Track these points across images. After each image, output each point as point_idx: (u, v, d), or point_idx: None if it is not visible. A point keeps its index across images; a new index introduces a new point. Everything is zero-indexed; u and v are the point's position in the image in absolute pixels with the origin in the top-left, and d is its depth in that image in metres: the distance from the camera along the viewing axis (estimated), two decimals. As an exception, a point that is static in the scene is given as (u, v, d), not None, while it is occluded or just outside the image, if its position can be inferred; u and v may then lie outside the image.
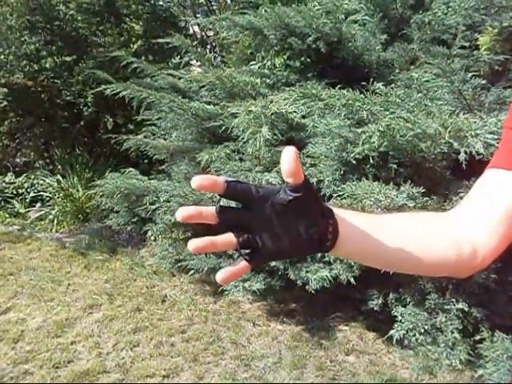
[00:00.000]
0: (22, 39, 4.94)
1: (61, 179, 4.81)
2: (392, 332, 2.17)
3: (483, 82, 2.39)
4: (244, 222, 0.49)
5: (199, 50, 4.34)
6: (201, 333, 2.71)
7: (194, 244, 0.49)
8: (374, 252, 0.55)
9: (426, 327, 2.09)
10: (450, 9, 2.85)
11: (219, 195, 0.48)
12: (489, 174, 0.60)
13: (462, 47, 2.66)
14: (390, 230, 0.56)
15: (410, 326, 2.10)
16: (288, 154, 0.47)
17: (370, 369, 2.39)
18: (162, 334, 2.71)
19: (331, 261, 2.41)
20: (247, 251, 0.49)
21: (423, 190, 2.01)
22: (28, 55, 4.96)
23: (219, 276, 0.50)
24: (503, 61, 2.62)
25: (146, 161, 4.70)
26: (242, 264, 0.50)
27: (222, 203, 0.48)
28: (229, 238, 0.49)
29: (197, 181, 0.47)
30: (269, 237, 0.49)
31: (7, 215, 4.65)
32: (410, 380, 2.30)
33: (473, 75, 2.39)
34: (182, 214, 0.48)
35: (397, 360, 2.45)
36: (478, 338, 2.04)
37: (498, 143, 1.73)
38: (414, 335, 2.11)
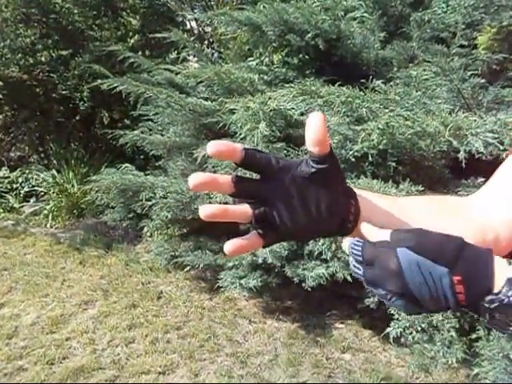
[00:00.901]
0: (18, 32, 4.88)
1: (56, 174, 4.77)
2: (388, 330, 2.16)
3: (482, 80, 2.39)
4: (262, 193, 0.45)
5: (197, 45, 4.30)
6: (196, 330, 2.70)
7: (204, 210, 0.44)
8: None
9: (423, 325, 2.09)
10: (449, 7, 2.85)
11: (236, 164, 0.44)
12: (510, 161, 0.57)
13: (461, 46, 2.66)
14: (415, 214, 0.52)
15: (407, 324, 2.10)
16: (315, 119, 0.43)
17: (365, 366, 2.39)
18: (158, 330, 2.70)
19: (328, 258, 2.40)
20: (262, 225, 0.46)
21: (422, 189, 2.00)
22: (23, 48, 4.91)
23: (228, 247, 0.46)
24: (501, 60, 2.62)
25: (142, 156, 4.68)
26: (254, 237, 0.46)
27: (238, 173, 0.45)
28: (244, 208, 0.45)
29: (213, 147, 0.42)
30: (287, 212, 0.45)
31: (1, 210, 4.61)
32: (405, 378, 2.31)
33: (471, 74, 2.38)
34: (194, 180, 0.43)
35: (393, 358, 2.46)
36: (474, 336, 2.05)
37: (497, 142, 1.73)
38: (411, 333, 2.11)
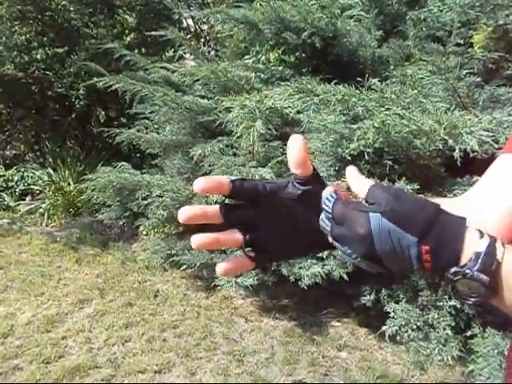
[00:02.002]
0: (13, 30, 4.86)
1: (52, 172, 4.75)
2: (384, 328, 2.17)
3: (477, 79, 2.39)
4: (251, 219, 0.47)
5: (193, 43, 4.30)
6: (193, 328, 2.70)
7: (196, 241, 0.46)
8: None
9: (419, 323, 2.10)
10: (445, 6, 2.85)
11: (224, 196, 0.46)
12: (501, 159, 0.56)
13: (457, 44, 2.67)
14: None
15: (403, 322, 2.11)
16: (295, 142, 0.44)
17: (361, 364, 2.40)
18: (154, 329, 2.70)
19: (324, 257, 2.41)
20: (253, 249, 0.47)
21: (417, 187, 2.01)
22: (19, 46, 4.88)
23: (220, 269, 0.47)
24: (497, 59, 2.63)
25: (138, 155, 4.67)
26: (246, 260, 0.48)
27: (226, 201, 0.46)
28: (234, 235, 0.47)
29: (200, 184, 0.44)
30: (277, 235, 0.47)
31: (-3, 208, 4.59)
32: (401, 376, 2.31)
33: (467, 73, 2.39)
34: (184, 214, 0.45)
35: (388, 356, 2.46)
36: (469, 333, 2.06)
37: (492, 140, 1.73)
38: (407, 331, 2.12)
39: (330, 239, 0.46)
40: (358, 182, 0.47)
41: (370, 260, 0.44)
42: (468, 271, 0.40)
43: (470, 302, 0.42)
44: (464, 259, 0.41)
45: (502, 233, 0.50)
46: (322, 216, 0.46)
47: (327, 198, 0.46)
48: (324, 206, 0.46)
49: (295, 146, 0.44)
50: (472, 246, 0.41)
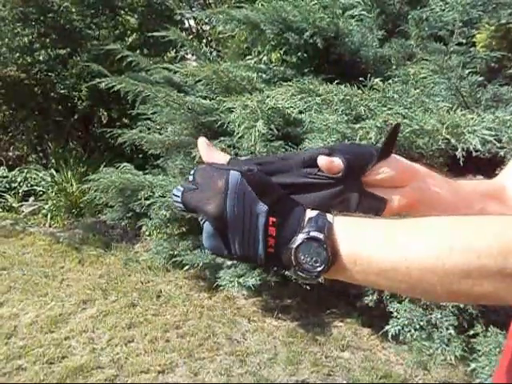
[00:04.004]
0: (15, 31, 4.87)
1: (54, 173, 4.76)
2: (387, 327, 2.17)
3: (480, 78, 2.39)
4: None
5: (195, 43, 4.29)
6: (196, 328, 2.71)
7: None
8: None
9: (422, 323, 2.10)
10: (447, 5, 2.84)
11: None
12: None
13: (459, 44, 2.66)
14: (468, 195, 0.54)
15: (406, 322, 2.10)
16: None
17: (364, 364, 2.40)
18: (157, 329, 2.70)
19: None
20: None
21: (420, 187, 2.00)
22: (21, 47, 4.90)
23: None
24: (500, 58, 2.62)
25: (140, 155, 4.67)
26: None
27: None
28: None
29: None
30: None
31: (0, 209, 4.61)
32: (404, 375, 2.31)
33: (470, 72, 2.38)
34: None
35: (391, 356, 2.46)
36: (471, 332, 2.05)
37: (495, 139, 1.73)
38: (410, 331, 2.12)
39: (180, 210, 0.46)
40: (211, 155, 0.48)
41: (216, 222, 0.43)
42: (305, 234, 0.41)
43: (316, 274, 0.42)
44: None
45: None
46: (174, 190, 0.47)
47: (174, 194, 0.47)
48: (174, 202, 0.46)
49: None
50: (307, 216, 0.43)
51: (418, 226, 0.42)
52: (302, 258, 0.41)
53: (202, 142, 0.49)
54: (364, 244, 0.41)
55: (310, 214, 0.44)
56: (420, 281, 0.40)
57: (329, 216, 0.43)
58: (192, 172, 0.47)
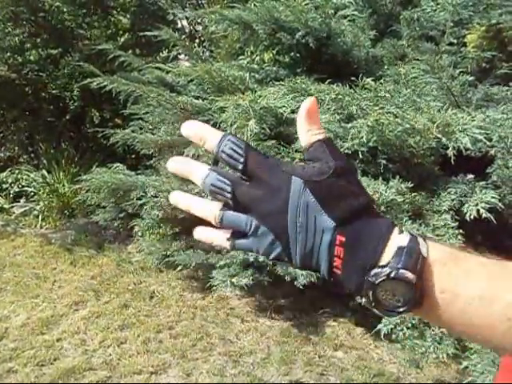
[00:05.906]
0: (6, 31, 4.82)
1: (46, 174, 4.72)
2: (380, 326, 2.17)
3: (471, 78, 2.41)
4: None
5: (187, 43, 4.29)
6: (189, 329, 2.70)
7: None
8: None
9: (414, 322, 2.10)
10: (438, 5, 2.86)
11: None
12: None
13: (450, 44, 2.68)
14: None
15: (398, 321, 2.11)
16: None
17: (358, 364, 2.40)
18: (150, 330, 2.69)
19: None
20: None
21: (412, 185, 2.02)
22: (12, 47, 4.85)
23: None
24: (490, 58, 2.65)
25: (133, 156, 4.65)
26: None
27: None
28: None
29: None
30: None
31: (-9, 211, 4.56)
32: (397, 374, 2.32)
33: (461, 72, 2.40)
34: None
35: (384, 354, 2.47)
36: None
37: (485, 138, 1.74)
38: (402, 330, 2.12)
39: (230, 202, 0.39)
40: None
41: (273, 229, 0.37)
42: (391, 270, 0.35)
43: (396, 314, 0.37)
44: (386, 258, 0.36)
45: None
46: (212, 175, 0.40)
47: (233, 142, 0.39)
48: (227, 151, 0.39)
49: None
50: (394, 244, 0.36)
51: None
52: (383, 294, 0.36)
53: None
54: (458, 295, 0.35)
55: (400, 240, 0.36)
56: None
57: (422, 244, 0.36)
58: (235, 146, 0.39)
